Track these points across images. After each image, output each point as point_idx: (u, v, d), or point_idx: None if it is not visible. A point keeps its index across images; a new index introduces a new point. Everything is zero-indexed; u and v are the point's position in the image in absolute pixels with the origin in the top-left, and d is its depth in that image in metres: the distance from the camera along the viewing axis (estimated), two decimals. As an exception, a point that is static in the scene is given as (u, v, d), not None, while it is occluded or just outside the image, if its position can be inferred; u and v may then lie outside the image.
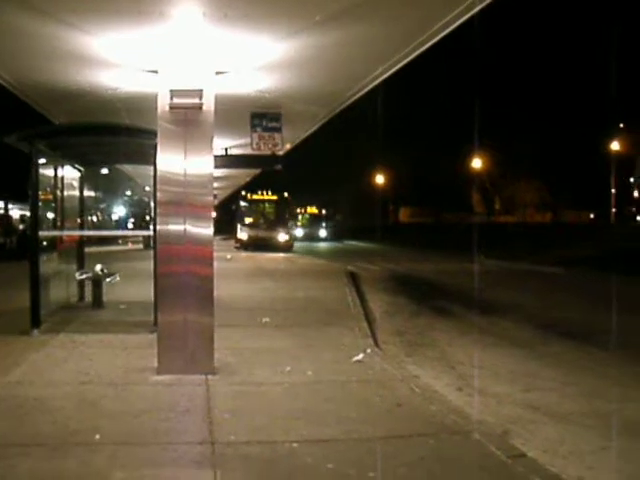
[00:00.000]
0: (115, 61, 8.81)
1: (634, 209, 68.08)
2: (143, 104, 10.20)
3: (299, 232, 63.39)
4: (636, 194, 69.23)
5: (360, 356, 9.49)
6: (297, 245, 45.70)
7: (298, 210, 65.84)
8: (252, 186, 39.17)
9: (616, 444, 6.73)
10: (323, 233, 67.80)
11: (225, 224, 49.24)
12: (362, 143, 63.45)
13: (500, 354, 10.89)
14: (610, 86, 40.96)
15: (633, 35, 40.25)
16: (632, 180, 66.81)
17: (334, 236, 66.34)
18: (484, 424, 6.92)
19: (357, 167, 68.53)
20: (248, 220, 39.74)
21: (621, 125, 53.10)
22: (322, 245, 57.55)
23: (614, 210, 57.69)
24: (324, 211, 70.33)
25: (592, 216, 71.97)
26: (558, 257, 31.23)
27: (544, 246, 37.12)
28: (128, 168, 23.62)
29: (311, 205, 69.31)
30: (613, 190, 56.38)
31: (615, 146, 52.54)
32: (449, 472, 5.50)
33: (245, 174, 29.51)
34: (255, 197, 40.82)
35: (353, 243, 59.81)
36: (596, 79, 45.56)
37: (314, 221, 68.59)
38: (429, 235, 54.17)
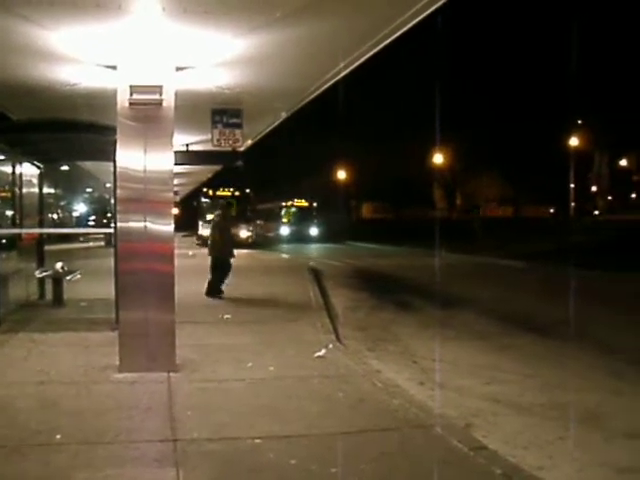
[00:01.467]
0: (74, 56, 8.69)
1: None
2: (103, 100, 10.08)
3: (284, 230, 53.25)
4: (594, 189, 70.26)
5: (322, 352, 9.51)
6: (283, 247, 42.18)
7: (283, 203, 55.70)
8: (215, 182, 38.98)
9: (575, 434, 6.85)
10: (314, 231, 53.70)
11: (187, 221, 48.88)
12: (324, 138, 62.90)
13: (461, 347, 10.97)
14: (569, 82, 41.49)
15: (592, 32, 40.81)
16: (590, 175, 67.79)
17: (330, 235, 52.21)
18: (446, 417, 6.99)
19: (320, 162, 67.33)
20: (210, 217, 39.52)
21: (579, 121, 53.79)
22: (314, 247, 44.65)
23: (573, 205, 58.43)
24: (315, 204, 56.44)
25: (552, 211, 72.81)
26: (518, 251, 31.54)
27: (505, 240, 37.49)
28: (88, 165, 23.37)
29: (299, 197, 56.90)
30: (572, 185, 57.07)
31: (574, 142, 53.18)
32: (411, 466, 5.54)
33: (206, 170, 29.39)
34: (216, 193, 40.60)
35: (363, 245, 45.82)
36: (556, 75, 46.10)
37: (303, 217, 54.14)
38: (401, 231, 50.01)
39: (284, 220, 54.81)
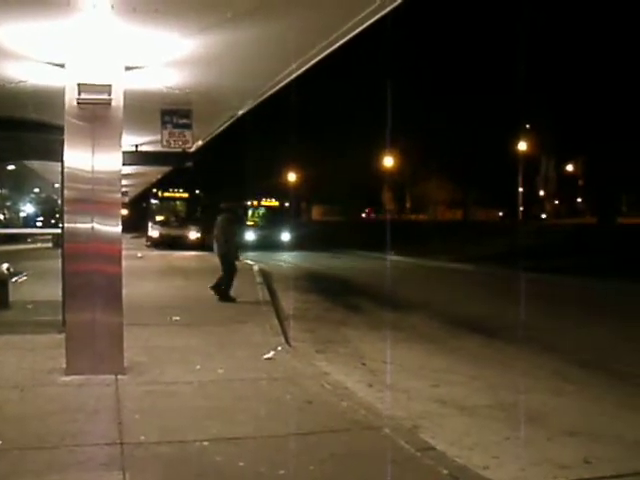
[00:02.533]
0: (20, 53, 8.53)
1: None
2: (51, 98, 9.92)
3: (250, 235, 43.09)
4: (542, 193, 71.36)
5: (271, 354, 9.50)
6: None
7: (250, 202, 47.11)
8: (166, 183, 38.63)
9: (520, 433, 6.95)
10: (286, 236, 44.61)
11: (136, 222, 48.42)
12: (275, 140, 62.35)
13: (411, 350, 11.05)
14: (517, 87, 42.09)
15: (539, 39, 41.37)
16: (538, 179, 68.80)
17: (304, 240, 43.50)
18: (394, 419, 7.03)
19: (271, 165, 66.70)
20: (159, 218, 39.17)
21: (527, 126, 54.55)
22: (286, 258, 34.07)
23: (521, 208, 59.24)
24: (287, 204, 49.04)
25: (501, 214, 73.75)
26: (469, 254, 31.87)
27: (455, 243, 37.84)
28: (36, 164, 23.02)
29: (269, 197, 48.68)
30: (520, 189, 57.88)
31: (522, 146, 54.06)
32: (359, 467, 5.56)
33: (156, 171, 29.16)
34: (166, 194, 40.22)
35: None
36: (504, 80, 46.63)
37: (273, 219, 45.66)
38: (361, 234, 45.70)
39: (250, 223, 45.75)
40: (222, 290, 15.08)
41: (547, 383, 9.00)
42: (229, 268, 15.37)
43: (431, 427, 7.08)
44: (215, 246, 16.07)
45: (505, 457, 6.27)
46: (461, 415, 7.63)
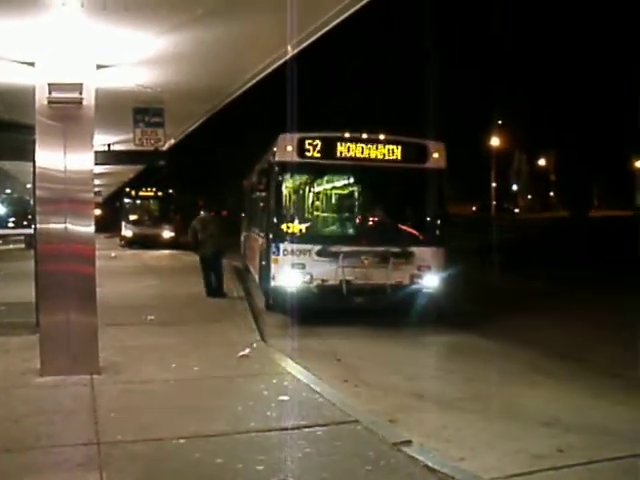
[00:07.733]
0: (-11, 51, 8.46)
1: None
2: (22, 97, 9.84)
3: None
4: (515, 187, 71.98)
5: (246, 351, 9.51)
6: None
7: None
8: (140, 182, 38.40)
9: (495, 425, 7.05)
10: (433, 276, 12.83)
11: (110, 222, 48.09)
12: (254, 134, 61.70)
13: (385, 345, 11.09)
14: (490, 83, 42.51)
15: (512, 37, 41.78)
16: (510, 174, 69.41)
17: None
18: (371, 414, 7.07)
19: (246, 161, 65.89)
20: (132, 217, 38.94)
21: (499, 122, 55.00)
22: None
23: (494, 203, 59.71)
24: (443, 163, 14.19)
25: (474, 209, 74.21)
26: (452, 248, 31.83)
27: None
28: (7, 165, 22.81)
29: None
30: (494, 184, 58.32)
31: (495, 142, 54.60)
32: (336, 462, 5.60)
33: (129, 170, 29.00)
34: (139, 194, 40.01)
35: None
36: (478, 76, 47.04)
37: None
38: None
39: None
40: (216, 289, 15.20)
41: (521, 375, 9.10)
42: (220, 266, 15.58)
43: (408, 421, 7.13)
44: (208, 245, 15.50)
45: (481, 448, 6.34)
46: (437, 408, 7.70)
